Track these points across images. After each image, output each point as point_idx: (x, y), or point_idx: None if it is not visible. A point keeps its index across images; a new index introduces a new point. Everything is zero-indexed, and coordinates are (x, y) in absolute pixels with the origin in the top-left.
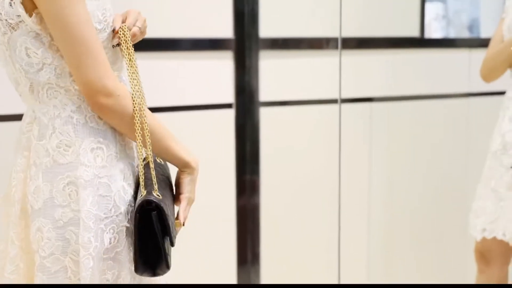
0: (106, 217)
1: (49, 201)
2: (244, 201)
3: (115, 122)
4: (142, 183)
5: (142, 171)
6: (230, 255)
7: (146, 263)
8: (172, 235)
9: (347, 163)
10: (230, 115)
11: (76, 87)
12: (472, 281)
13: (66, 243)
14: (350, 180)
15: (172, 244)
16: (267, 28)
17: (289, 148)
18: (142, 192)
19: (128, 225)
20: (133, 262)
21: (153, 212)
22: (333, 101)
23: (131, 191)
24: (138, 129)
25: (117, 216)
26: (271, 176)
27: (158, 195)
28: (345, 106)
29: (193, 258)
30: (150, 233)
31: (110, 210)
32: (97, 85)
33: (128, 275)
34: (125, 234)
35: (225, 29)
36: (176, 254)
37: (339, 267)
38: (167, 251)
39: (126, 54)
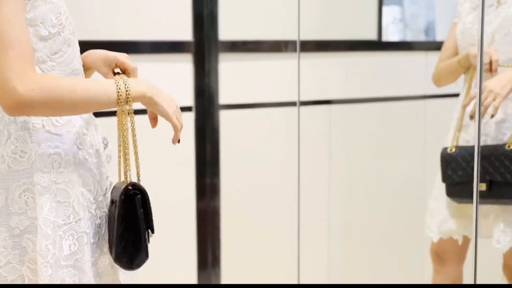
0: (64, 224)
1: (4, 209)
2: (204, 204)
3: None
4: (121, 170)
5: (120, 158)
6: (190, 257)
7: (125, 251)
8: (152, 223)
9: (307, 165)
10: (190, 118)
11: None
12: (429, 281)
13: (23, 252)
14: (309, 182)
15: (152, 231)
16: (226, 31)
17: (249, 151)
18: (120, 178)
19: (88, 231)
20: (108, 253)
21: (137, 196)
22: (292, 104)
23: (90, 197)
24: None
25: (76, 222)
26: (231, 179)
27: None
28: (304, 108)
29: (153, 261)
30: (133, 217)
31: (69, 216)
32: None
33: (90, 282)
34: (85, 240)
35: (185, 32)
36: None
37: (299, 268)
38: (147, 238)
39: None
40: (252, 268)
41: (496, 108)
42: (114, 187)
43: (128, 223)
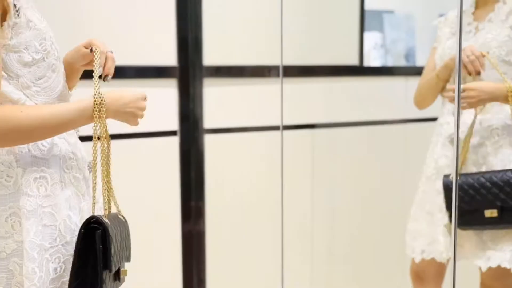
0: (51, 247)
1: None
2: (190, 227)
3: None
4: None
5: (106, 186)
6: (176, 280)
7: (81, 285)
8: (112, 262)
9: (290, 188)
10: (174, 142)
11: None
12: None
13: (10, 275)
14: (293, 205)
15: (110, 270)
16: (210, 56)
17: (233, 174)
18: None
19: (73, 253)
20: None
21: (98, 231)
22: (276, 128)
23: (76, 220)
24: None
25: (62, 245)
26: (216, 202)
27: (107, 220)
28: (287, 132)
29: (139, 284)
30: (91, 252)
31: (55, 239)
32: None
33: None
34: (71, 263)
35: (169, 57)
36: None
37: None
38: (103, 277)
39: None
40: None
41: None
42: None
43: (86, 260)
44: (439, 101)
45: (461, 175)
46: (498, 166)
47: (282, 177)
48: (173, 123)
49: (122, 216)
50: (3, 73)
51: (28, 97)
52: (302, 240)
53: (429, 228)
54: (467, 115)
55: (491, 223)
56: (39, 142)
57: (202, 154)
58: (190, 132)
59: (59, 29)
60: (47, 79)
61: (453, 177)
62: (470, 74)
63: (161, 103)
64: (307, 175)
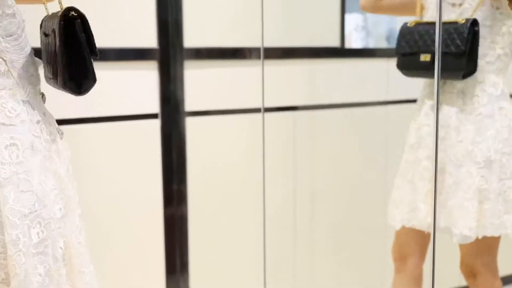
0: (30, 213)
1: None
2: (172, 211)
3: None
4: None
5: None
6: (158, 264)
7: (72, 78)
8: (95, 47)
9: (272, 171)
10: (156, 125)
11: None
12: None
13: None
14: (275, 187)
15: (96, 55)
16: (191, 38)
17: (215, 157)
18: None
19: (53, 216)
20: (59, 82)
21: (77, 20)
22: (257, 110)
23: (51, 183)
24: None
25: (41, 209)
26: (198, 185)
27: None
28: (269, 115)
29: (121, 268)
30: (75, 42)
31: (34, 205)
32: None
33: (61, 268)
34: (52, 227)
35: (150, 39)
36: (104, 263)
37: (265, 274)
38: (91, 63)
39: None
40: (220, 274)
41: None
42: (43, 19)
43: (72, 50)
44: (420, 81)
45: (418, 23)
46: None
47: (263, 159)
48: (154, 106)
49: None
50: None
51: None
52: (285, 222)
53: (411, 196)
54: (450, 84)
55: (424, 68)
56: (6, 110)
57: (183, 137)
58: (171, 115)
59: (37, 13)
60: (17, 37)
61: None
62: None
63: (142, 85)
64: (289, 158)
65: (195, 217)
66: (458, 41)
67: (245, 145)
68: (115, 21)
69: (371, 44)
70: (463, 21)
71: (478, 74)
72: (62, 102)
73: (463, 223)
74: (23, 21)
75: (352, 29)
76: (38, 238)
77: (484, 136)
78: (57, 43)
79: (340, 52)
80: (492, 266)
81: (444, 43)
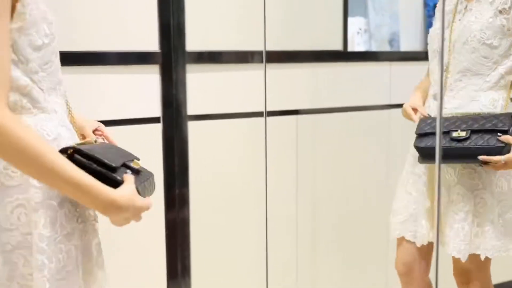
0: (54, 238)
1: None
2: (174, 215)
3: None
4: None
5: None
6: (160, 268)
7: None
8: (106, 159)
9: (274, 175)
10: (157, 129)
11: (23, 105)
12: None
13: (14, 267)
14: (277, 191)
15: (112, 169)
16: (193, 42)
17: (217, 161)
18: None
19: (76, 243)
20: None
21: (76, 155)
22: (259, 114)
23: (73, 209)
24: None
25: (64, 236)
26: (200, 189)
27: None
28: (271, 118)
29: (123, 272)
30: (86, 167)
31: (57, 231)
32: None
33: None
34: (73, 253)
35: (152, 43)
36: (106, 268)
37: (267, 278)
38: (109, 173)
39: None
40: (222, 277)
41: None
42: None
43: (92, 172)
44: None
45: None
46: None
47: (266, 163)
48: (156, 110)
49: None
50: (14, 55)
51: (35, 82)
52: (287, 226)
53: (406, 208)
54: (447, 99)
55: (459, 141)
56: (44, 132)
57: (185, 141)
58: (174, 119)
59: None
60: (51, 64)
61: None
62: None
63: (144, 89)
64: (292, 161)
65: (197, 221)
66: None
67: (247, 149)
68: (117, 24)
69: (374, 48)
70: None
71: (474, 92)
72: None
73: (453, 245)
74: (58, 42)
75: (355, 32)
76: (60, 264)
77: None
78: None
79: (343, 55)
80: (484, 275)
81: (477, 122)
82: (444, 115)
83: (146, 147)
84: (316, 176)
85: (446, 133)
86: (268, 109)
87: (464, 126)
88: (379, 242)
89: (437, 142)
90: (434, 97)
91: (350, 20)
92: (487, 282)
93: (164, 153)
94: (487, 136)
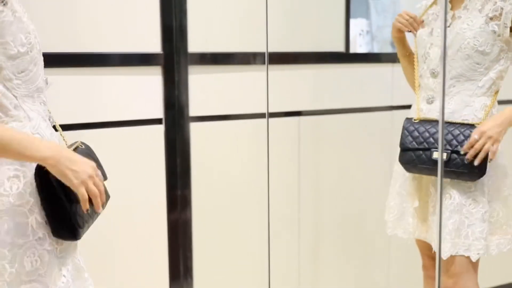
0: (25, 243)
1: None
2: (176, 216)
3: None
4: None
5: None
6: (162, 269)
7: (57, 229)
8: (72, 195)
9: (277, 176)
10: (160, 130)
11: None
12: (394, 285)
13: None
14: (279, 193)
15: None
16: (195, 43)
17: (220, 162)
18: None
19: (49, 248)
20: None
21: (50, 175)
22: (262, 115)
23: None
24: None
25: (36, 240)
26: (202, 190)
27: None
28: (274, 120)
29: (125, 273)
30: (52, 194)
31: (28, 235)
32: None
33: None
34: (47, 257)
35: (154, 44)
36: (108, 268)
37: (269, 279)
38: (73, 210)
39: None
40: (224, 279)
41: (494, 153)
42: None
43: (51, 203)
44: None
45: (424, 120)
46: None
47: (268, 164)
48: (159, 111)
49: (81, 144)
50: None
51: (8, 89)
52: (289, 227)
53: (397, 206)
54: (437, 104)
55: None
56: None
57: (188, 142)
58: (176, 120)
59: (43, 19)
60: (28, 73)
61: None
62: (411, 31)
63: (146, 90)
64: (294, 163)
65: (199, 222)
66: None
67: (250, 150)
68: (120, 26)
69: (376, 49)
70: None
71: (469, 97)
72: (66, 108)
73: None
74: (39, 52)
75: (357, 34)
76: (32, 267)
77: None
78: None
79: (345, 57)
80: (472, 278)
81: (462, 144)
82: (426, 118)
83: (148, 148)
84: (318, 177)
85: (427, 150)
86: (270, 110)
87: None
88: (381, 242)
89: (440, 149)
90: (427, 101)
91: (352, 21)
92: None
93: (166, 154)
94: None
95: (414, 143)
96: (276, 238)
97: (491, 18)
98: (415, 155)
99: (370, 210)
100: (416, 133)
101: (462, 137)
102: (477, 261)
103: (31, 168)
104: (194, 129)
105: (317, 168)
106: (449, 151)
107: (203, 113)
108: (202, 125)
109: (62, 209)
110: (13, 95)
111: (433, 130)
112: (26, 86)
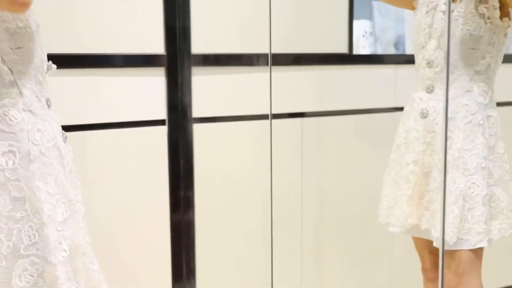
0: (22, 217)
1: None
2: (179, 217)
3: None
4: None
5: None
6: (165, 270)
7: None
8: None
9: (280, 177)
10: (163, 131)
11: None
12: (397, 286)
13: None
14: (282, 194)
15: None
16: (198, 44)
17: (223, 164)
18: None
19: (46, 221)
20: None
21: None
22: (265, 117)
23: (49, 189)
24: None
25: (33, 214)
26: (205, 192)
27: None
28: (277, 121)
29: (128, 274)
30: None
31: (26, 209)
32: None
33: (52, 271)
34: (44, 231)
35: (157, 45)
36: (111, 269)
37: (272, 280)
38: None
39: None
40: (227, 280)
41: None
42: None
43: None
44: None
45: None
46: None
47: (271, 166)
48: (162, 112)
49: None
50: None
51: (6, 62)
52: (292, 229)
53: (391, 195)
54: (437, 92)
55: None
56: (7, 117)
57: (191, 144)
58: (179, 121)
59: (45, 20)
60: (26, 49)
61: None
62: None
63: (149, 91)
64: (297, 164)
65: (202, 223)
66: None
67: (253, 152)
68: (123, 27)
69: (379, 51)
70: None
71: (468, 83)
72: (69, 109)
73: (438, 231)
74: (38, 32)
75: (360, 35)
76: (30, 241)
77: (473, 144)
78: None
79: (348, 58)
80: (476, 272)
81: None
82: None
83: (151, 150)
84: (321, 179)
85: None
86: (274, 111)
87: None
88: (383, 244)
89: (444, 137)
90: (426, 90)
91: (355, 23)
92: (478, 284)
93: (169, 156)
94: None
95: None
96: (279, 239)
97: (479, 1)
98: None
99: (373, 212)
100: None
101: None
102: (481, 255)
103: (25, 143)
104: (197, 130)
105: (320, 169)
106: None
107: (206, 114)
108: (205, 126)
109: None
110: (9, 69)
111: None
112: (22, 62)
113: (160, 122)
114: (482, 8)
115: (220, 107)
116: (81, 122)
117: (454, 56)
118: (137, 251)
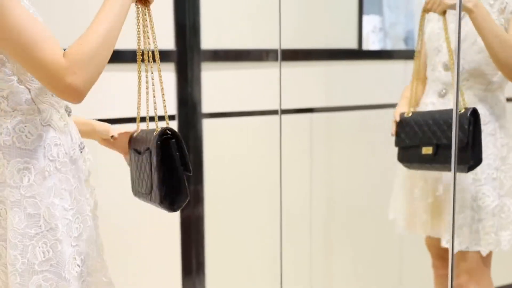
0: (36, 234)
1: None
2: (188, 212)
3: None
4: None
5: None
6: (175, 265)
7: (167, 195)
8: (189, 165)
9: (289, 173)
10: (173, 126)
11: (1, 108)
12: (406, 282)
13: None
14: (291, 189)
15: (189, 172)
16: (208, 40)
17: (232, 158)
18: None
19: (61, 238)
20: (154, 199)
21: (172, 140)
22: (274, 112)
23: (65, 204)
24: None
25: (48, 231)
26: (214, 187)
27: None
28: (286, 116)
29: (138, 269)
30: (171, 161)
31: (40, 226)
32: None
33: (68, 286)
34: (59, 247)
35: (167, 41)
36: (121, 264)
37: (281, 275)
38: (185, 180)
39: None
40: (236, 274)
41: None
42: (132, 136)
43: (168, 168)
44: None
45: (414, 112)
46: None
47: (280, 161)
48: (171, 108)
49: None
50: (1, 55)
51: (22, 81)
52: (301, 223)
53: (398, 196)
54: (450, 97)
55: (427, 161)
56: (23, 134)
57: (200, 139)
58: (189, 117)
59: (54, 15)
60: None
61: (408, 114)
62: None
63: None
64: (306, 159)
65: (211, 218)
66: (460, 133)
67: (262, 147)
68: (133, 23)
69: (389, 46)
70: (462, 111)
71: (482, 92)
72: (78, 104)
73: (448, 236)
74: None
75: (370, 30)
76: (44, 257)
77: (485, 154)
78: (153, 162)
79: (358, 54)
80: (485, 274)
81: (444, 134)
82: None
83: None
84: (330, 173)
85: (416, 146)
86: (283, 107)
87: (431, 137)
88: (392, 239)
89: (453, 144)
90: (439, 94)
91: (365, 18)
92: (488, 282)
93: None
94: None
95: (406, 140)
96: (288, 234)
97: (499, 12)
98: (409, 153)
99: (383, 207)
100: (407, 129)
101: (444, 127)
102: (490, 256)
103: (41, 159)
104: (207, 125)
105: (329, 165)
106: (435, 145)
107: (215, 109)
108: (215, 122)
109: (179, 180)
110: (26, 88)
111: (421, 121)
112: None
113: (170, 118)
114: (501, 19)
115: (229, 103)
116: (90, 117)
117: (471, 63)
118: (147, 246)
